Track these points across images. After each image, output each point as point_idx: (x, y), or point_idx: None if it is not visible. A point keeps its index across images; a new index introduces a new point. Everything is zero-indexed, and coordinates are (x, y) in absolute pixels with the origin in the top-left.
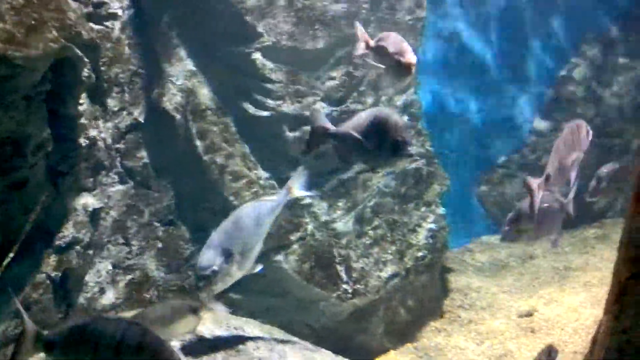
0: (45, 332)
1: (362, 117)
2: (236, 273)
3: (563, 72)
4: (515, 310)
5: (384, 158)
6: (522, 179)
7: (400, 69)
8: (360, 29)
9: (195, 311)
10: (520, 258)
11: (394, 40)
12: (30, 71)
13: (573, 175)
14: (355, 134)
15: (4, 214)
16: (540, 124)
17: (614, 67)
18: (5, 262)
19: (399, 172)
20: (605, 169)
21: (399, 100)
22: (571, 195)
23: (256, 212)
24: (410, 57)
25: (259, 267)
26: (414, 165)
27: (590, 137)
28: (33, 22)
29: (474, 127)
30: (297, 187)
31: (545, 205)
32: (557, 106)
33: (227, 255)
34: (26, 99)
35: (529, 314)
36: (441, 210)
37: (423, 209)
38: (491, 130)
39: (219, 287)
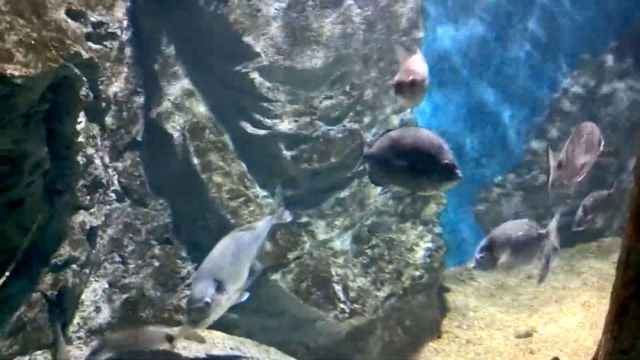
0: None
1: (398, 138)
2: (227, 303)
3: (558, 93)
4: (513, 330)
5: (432, 182)
6: (545, 148)
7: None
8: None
9: (170, 340)
10: (518, 278)
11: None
12: (29, 90)
13: (576, 179)
14: (400, 161)
15: (0, 232)
16: (536, 144)
17: (609, 86)
18: (1, 281)
19: (396, 191)
20: (591, 198)
21: (396, 120)
22: (553, 224)
23: (242, 240)
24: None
25: (246, 296)
26: None
27: (602, 146)
28: (33, 42)
29: (470, 146)
30: (280, 212)
31: (520, 234)
32: (552, 126)
33: (218, 285)
34: (24, 117)
35: (528, 334)
36: (438, 229)
37: (420, 227)
38: (487, 149)
39: (212, 318)
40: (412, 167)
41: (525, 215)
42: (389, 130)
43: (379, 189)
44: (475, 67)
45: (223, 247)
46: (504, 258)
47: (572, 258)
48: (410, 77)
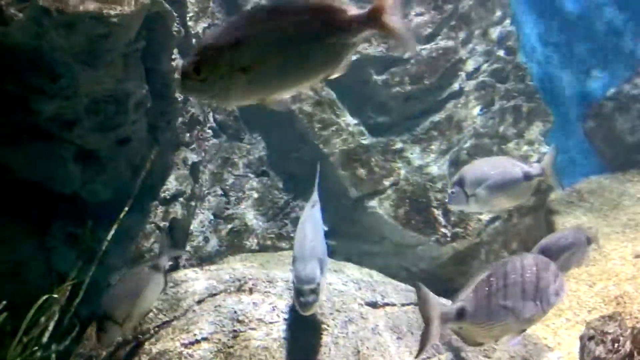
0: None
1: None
2: (324, 285)
3: None
4: (630, 250)
5: None
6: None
7: None
8: None
9: (157, 268)
10: (634, 197)
11: None
12: (125, 28)
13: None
14: None
15: (113, 169)
16: None
17: None
18: (122, 215)
19: (496, 110)
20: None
21: (494, 33)
22: (548, 159)
23: (315, 217)
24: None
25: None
26: (512, 102)
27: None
28: None
29: (578, 56)
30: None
31: (497, 171)
32: None
33: (321, 264)
34: (124, 56)
35: None
36: (545, 148)
37: (525, 148)
38: (598, 58)
39: (320, 299)
40: None
41: None
42: None
43: (478, 109)
44: None
45: (311, 225)
46: (476, 194)
47: None
48: None
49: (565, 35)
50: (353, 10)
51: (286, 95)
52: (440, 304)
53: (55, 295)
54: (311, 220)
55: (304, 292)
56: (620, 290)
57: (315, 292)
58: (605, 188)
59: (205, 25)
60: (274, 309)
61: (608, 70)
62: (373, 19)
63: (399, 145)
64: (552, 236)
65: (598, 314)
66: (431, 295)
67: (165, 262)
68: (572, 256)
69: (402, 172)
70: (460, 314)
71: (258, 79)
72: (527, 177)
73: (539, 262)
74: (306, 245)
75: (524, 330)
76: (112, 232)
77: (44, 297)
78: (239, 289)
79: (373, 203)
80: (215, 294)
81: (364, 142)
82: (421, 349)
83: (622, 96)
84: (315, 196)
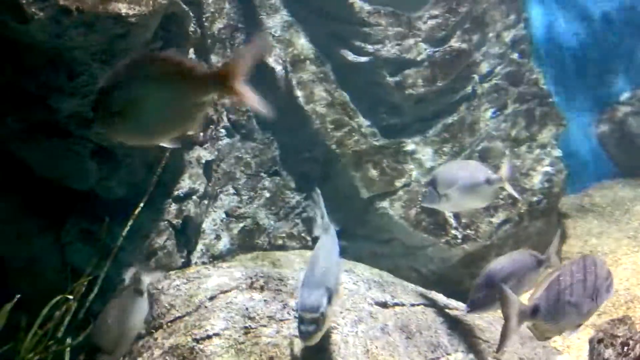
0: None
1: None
2: (332, 316)
3: None
4: None
5: None
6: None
7: None
8: None
9: (139, 292)
10: None
11: None
12: (143, 28)
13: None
14: None
15: (128, 166)
16: None
17: None
18: (137, 212)
19: (509, 114)
20: None
21: (508, 37)
22: (504, 170)
23: (330, 244)
24: None
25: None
26: (525, 105)
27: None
28: None
29: (592, 60)
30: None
31: (466, 174)
32: None
33: (329, 295)
34: None
35: None
36: (557, 152)
37: (537, 151)
38: (612, 63)
39: (324, 329)
40: None
41: None
42: None
43: (491, 112)
44: None
45: (325, 252)
46: (447, 194)
47: None
48: None
49: (579, 39)
50: (203, 69)
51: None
52: (519, 303)
53: (70, 297)
54: (325, 248)
55: (304, 321)
56: (631, 295)
57: (317, 322)
58: (618, 193)
59: (221, 26)
60: (284, 307)
61: (622, 75)
62: (220, 82)
63: (411, 147)
64: (499, 262)
65: (608, 318)
66: (511, 295)
67: (145, 285)
68: (520, 283)
69: (414, 173)
70: (535, 312)
71: (129, 125)
72: (489, 182)
73: (596, 261)
74: (316, 271)
75: (580, 325)
76: (127, 228)
77: (59, 297)
78: (251, 286)
79: (384, 204)
80: (227, 291)
81: (376, 143)
82: (502, 344)
83: (636, 100)
84: (327, 222)
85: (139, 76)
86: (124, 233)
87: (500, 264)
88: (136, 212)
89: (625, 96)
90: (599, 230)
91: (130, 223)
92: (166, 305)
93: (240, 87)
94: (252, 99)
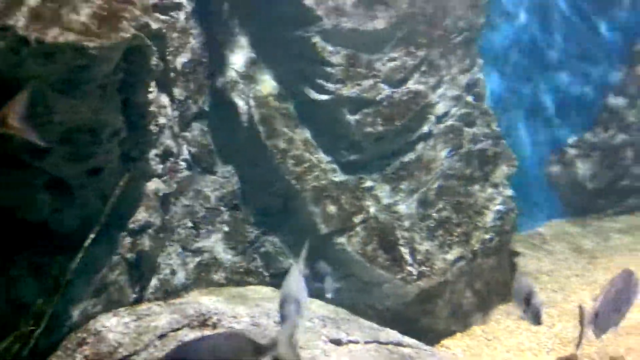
0: None
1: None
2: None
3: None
4: (589, 294)
5: None
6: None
7: None
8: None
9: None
10: (594, 241)
11: None
12: (105, 60)
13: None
14: None
15: (82, 198)
16: (615, 100)
17: None
18: (86, 244)
19: (463, 154)
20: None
21: (464, 80)
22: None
23: (299, 278)
24: None
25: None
26: (478, 145)
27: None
28: (105, 14)
29: (541, 105)
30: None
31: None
32: (632, 82)
33: (298, 307)
34: (101, 87)
35: None
36: (509, 191)
37: (490, 190)
38: (560, 108)
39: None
40: None
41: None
42: None
43: (446, 151)
44: (547, 24)
45: (295, 277)
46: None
47: None
48: None
49: (529, 85)
50: None
51: None
52: (590, 312)
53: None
54: (295, 277)
55: (287, 300)
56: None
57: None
58: (567, 232)
59: (185, 60)
60: None
61: (570, 119)
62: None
63: (369, 183)
64: None
65: (556, 355)
66: (587, 310)
67: None
68: None
69: (372, 210)
70: (596, 315)
71: None
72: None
73: (631, 273)
74: (287, 287)
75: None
76: (77, 262)
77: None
78: (203, 324)
79: (342, 239)
80: (178, 329)
81: (336, 179)
82: (579, 342)
83: (583, 144)
84: (301, 264)
85: None
86: (74, 267)
87: None
88: (86, 244)
89: (573, 139)
90: (549, 268)
91: (80, 256)
92: (113, 343)
93: (17, 124)
94: (29, 134)
